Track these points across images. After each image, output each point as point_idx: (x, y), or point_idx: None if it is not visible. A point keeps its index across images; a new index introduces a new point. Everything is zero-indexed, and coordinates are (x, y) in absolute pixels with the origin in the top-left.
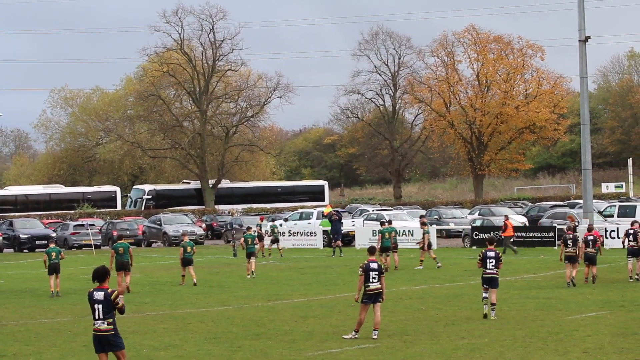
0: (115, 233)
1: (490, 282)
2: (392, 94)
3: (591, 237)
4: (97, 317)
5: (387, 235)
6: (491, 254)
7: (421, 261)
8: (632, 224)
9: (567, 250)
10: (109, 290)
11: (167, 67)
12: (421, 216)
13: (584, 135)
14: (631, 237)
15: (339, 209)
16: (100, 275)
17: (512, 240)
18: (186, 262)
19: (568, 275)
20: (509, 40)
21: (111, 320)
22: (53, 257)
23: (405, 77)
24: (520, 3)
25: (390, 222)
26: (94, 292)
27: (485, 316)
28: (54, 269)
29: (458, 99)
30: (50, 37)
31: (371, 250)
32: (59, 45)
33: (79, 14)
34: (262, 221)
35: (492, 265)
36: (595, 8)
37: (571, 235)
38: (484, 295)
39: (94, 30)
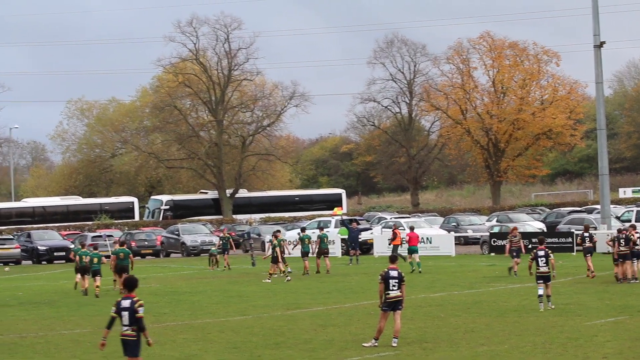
0: (133, 244)
1: (544, 279)
2: (408, 102)
3: None
4: (123, 322)
5: (306, 242)
6: (541, 253)
7: (270, 274)
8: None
9: (621, 249)
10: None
11: (182, 77)
12: (277, 231)
13: (601, 141)
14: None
15: (357, 217)
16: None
17: (399, 248)
18: (120, 269)
19: (620, 272)
20: (524, 47)
21: (136, 327)
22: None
23: (421, 85)
24: (535, 9)
25: (304, 229)
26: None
27: (544, 308)
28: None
29: (474, 105)
30: (65, 49)
31: (392, 259)
32: (75, 57)
33: (94, 26)
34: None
35: (544, 263)
36: (610, 13)
37: (624, 235)
38: (539, 292)
39: (109, 42)
